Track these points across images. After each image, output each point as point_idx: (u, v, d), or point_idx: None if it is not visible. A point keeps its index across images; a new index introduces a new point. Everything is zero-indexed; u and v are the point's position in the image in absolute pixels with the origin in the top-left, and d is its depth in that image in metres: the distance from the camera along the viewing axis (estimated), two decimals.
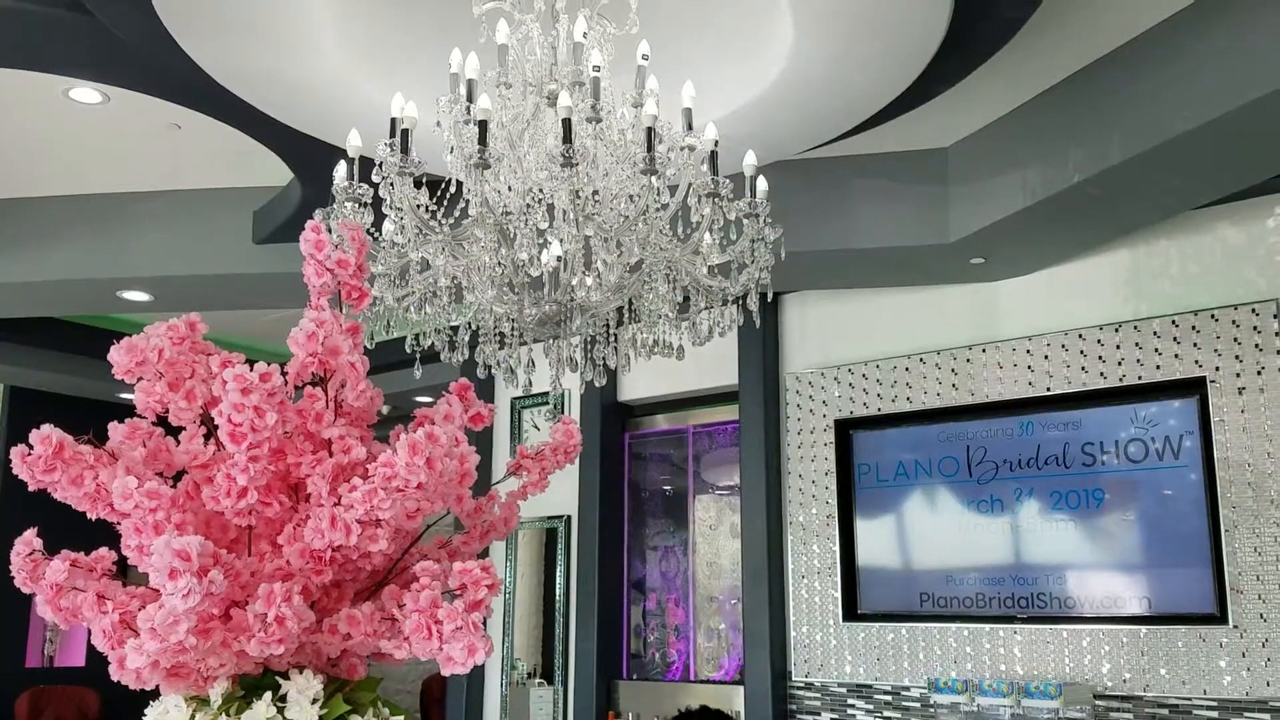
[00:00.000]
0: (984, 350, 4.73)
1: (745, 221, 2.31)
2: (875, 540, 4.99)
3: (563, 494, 6.00)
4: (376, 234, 2.29)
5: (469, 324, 2.48)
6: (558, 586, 5.94)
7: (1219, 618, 3.97)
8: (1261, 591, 3.89)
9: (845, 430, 5.14)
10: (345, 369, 1.59)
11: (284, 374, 1.55)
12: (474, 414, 1.82)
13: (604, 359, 2.66)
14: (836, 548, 5.02)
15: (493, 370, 2.58)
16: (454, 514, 1.82)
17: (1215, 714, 3.97)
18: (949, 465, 4.82)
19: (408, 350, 2.57)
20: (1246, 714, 3.90)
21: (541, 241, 2.16)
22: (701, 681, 5.57)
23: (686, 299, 2.50)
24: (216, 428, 1.50)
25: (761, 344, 5.37)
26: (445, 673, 1.53)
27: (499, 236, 2.15)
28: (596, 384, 2.55)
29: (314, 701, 1.52)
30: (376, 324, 2.45)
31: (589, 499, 5.88)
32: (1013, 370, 4.64)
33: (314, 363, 1.57)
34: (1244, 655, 3.89)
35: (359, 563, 1.60)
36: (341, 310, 1.68)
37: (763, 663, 5.09)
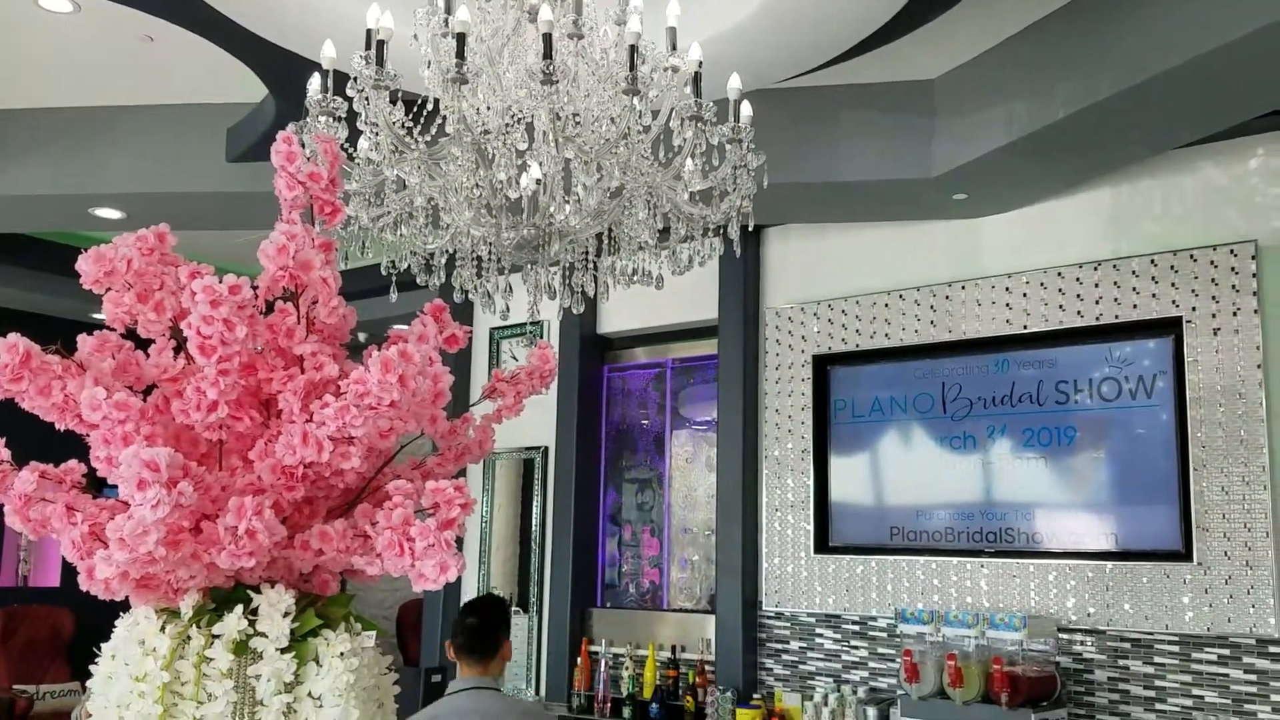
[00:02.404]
0: (963, 287, 4.74)
1: (728, 147, 2.27)
2: (848, 475, 5.04)
3: (540, 425, 6.02)
4: (351, 150, 2.25)
5: (445, 248, 2.44)
6: (534, 517, 5.98)
7: (1184, 555, 4.05)
8: (1226, 530, 3.96)
9: (823, 366, 5.15)
10: (317, 284, 1.56)
11: (254, 288, 1.53)
12: (449, 335, 1.80)
13: (582, 287, 2.64)
14: (810, 482, 5.07)
15: (470, 295, 2.55)
16: (428, 435, 1.81)
17: (1176, 648, 4.06)
18: (924, 402, 4.85)
19: (383, 273, 2.54)
20: (1207, 649, 4.00)
21: (520, 163, 2.12)
22: (674, 610, 5.65)
23: (666, 229, 2.47)
24: (186, 341, 1.49)
25: (742, 278, 5.35)
26: (417, 588, 1.53)
27: (477, 156, 2.10)
28: (575, 311, 2.53)
29: (285, 615, 1.52)
30: (351, 244, 2.42)
31: (566, 430, 5.90)
32: (991, 308, 4.65)
33: (285, 277, 1.54)
34: (1207, 592, 3.98)
35: (331, 480, 1.59)
36: (314, 225, 1.66)
37: (734, 593, 5.17)
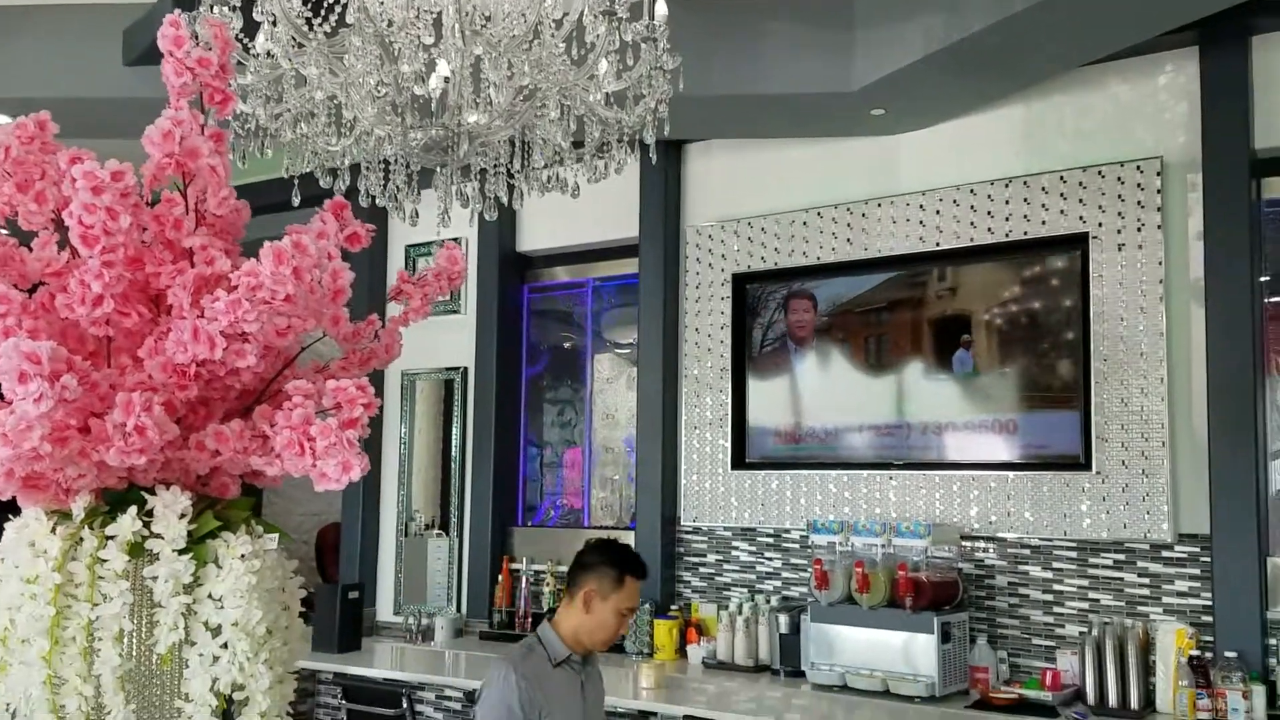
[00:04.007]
0: (880, 205, 4.77)
1: (643, 47, 2.23)
2: (765, 393, 5.10)
3: (460, 346, 5.96)
4: (249, 42, 2.14)
5: (349, 149, 2.36)
6: (454, 438, 5.95)
7: (1083, 464, 4.20)
8: (1124, 439, 4.12)
9: (742, 284, 5.17)
10: (205, 173, 1.50)
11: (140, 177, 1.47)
12: (350, 233, 1.74)
13: (495, 194, 2.58)
14: (728, 400, 5.13)
15: (377, 200, 2.48)
16: (330, 337, 1.77)
17: (1074, 554, 4.24)
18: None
19: (284, 174, 2.45)
20: (1103, 554, 4.18)
21: (427, 59, 2.05)
22: (595, 528, 5.71)
23: (582, 141, 2.43)
24: (69, 233, 1.42)
25: (663, 196, 5.32)
26: (319, 488, 1.50)
27: (381, 51, 2.03)
28: (488, 218, 2.48)
29: (182, 517, 1.49)
30: (250, 143, 2.32)
31: (486, 351, 5.85)
32: (906, 225, 4.70)
33: (171, 165, 1.47)
34: (1104, 499, 4.14)
35: (227, 380, 1.55)
36: (205, 115, 1.58)
37: (653, 509, 5.23)
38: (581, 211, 5.54)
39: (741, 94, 4.26)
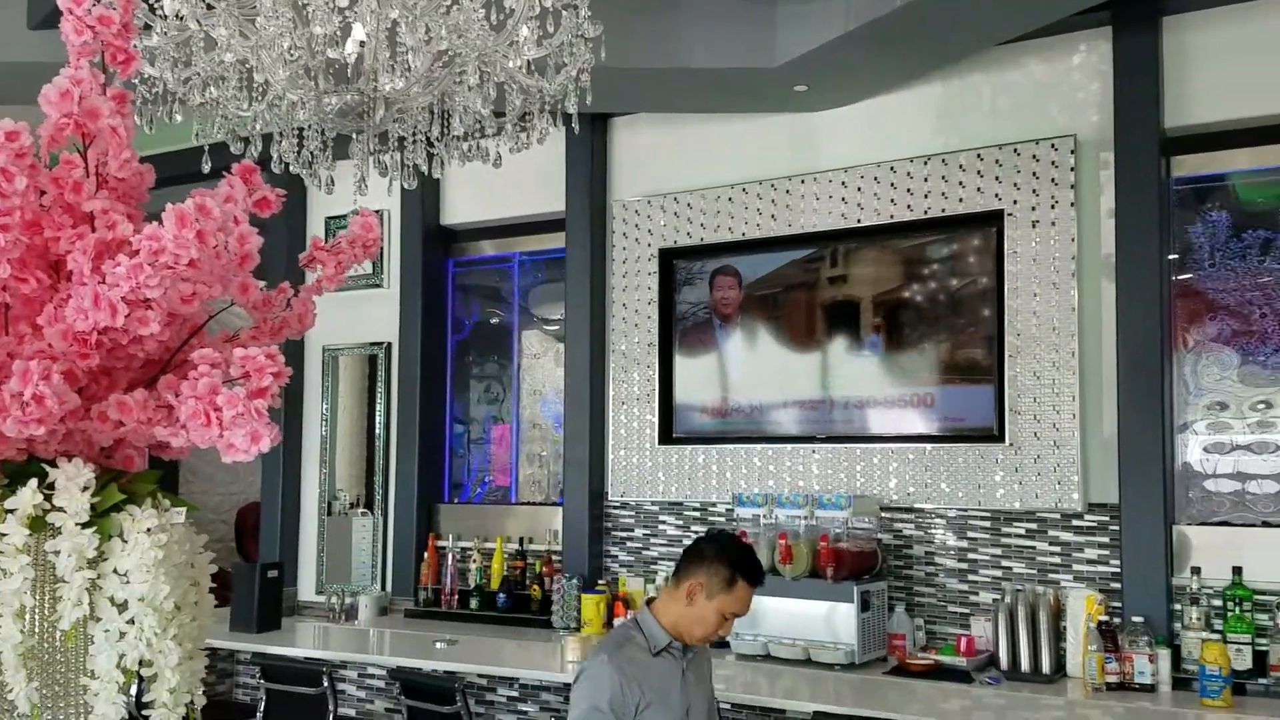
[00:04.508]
0: (802, 181, 4.81)
1: (564, 15, 2.20)
2: (692, 368, 5.12)
3: (384, 321, 5.87)
4: (156, 2, 2.07)
5: (261, 115, 2.30)
6: (378, 415, 5.87)
7: (997, 437, 4.31)
8: (1036, 412, 4.23)
9: (669, 260, 5.18)
10: (106, 134, 1.45)
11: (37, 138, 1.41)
12: (260, 198, 1.70)
13: (414, 163, 2.54)
14: (656, 375, 5.14)
15: (290, 167, 2.42)
16: (239, 305, 1.73)
17: (988, 523, 4.35)
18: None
19: (194, 138, 2.37)
20: (1016, 523, 4.30)
21: (341, 22, 2.00)
22: (523, 504, 5.69)
23: (503, 114, 2.39)
24: None
25: (589, 170, 5.29)
26: (227, 459, 1.47)
27: (293, 13, 1.97)
28: (406, 186, 2.44)
29: (85, 490, 1.44)
30: (157, 108, 2.25)
31: (410, 325, 5.78)
32: (828, 201, 4.75)
33: (69, 125, 1.42)
34: (1017, 470, 4.26)
35: (130, 349, 1.50)
36: (107, 75, 1.53)
37: (581, 484, 5.23)
38: (506, 185, 5.52)
39: (665, 67, 4.26)
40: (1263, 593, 3.74)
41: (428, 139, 2.39)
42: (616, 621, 4.86)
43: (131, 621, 1.45)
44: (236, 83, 2.28)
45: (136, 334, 1.44)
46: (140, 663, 1.46)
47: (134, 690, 1.51)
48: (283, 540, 5.99)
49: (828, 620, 4.18)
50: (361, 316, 5.93)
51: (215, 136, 2.49)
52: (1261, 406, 4.04)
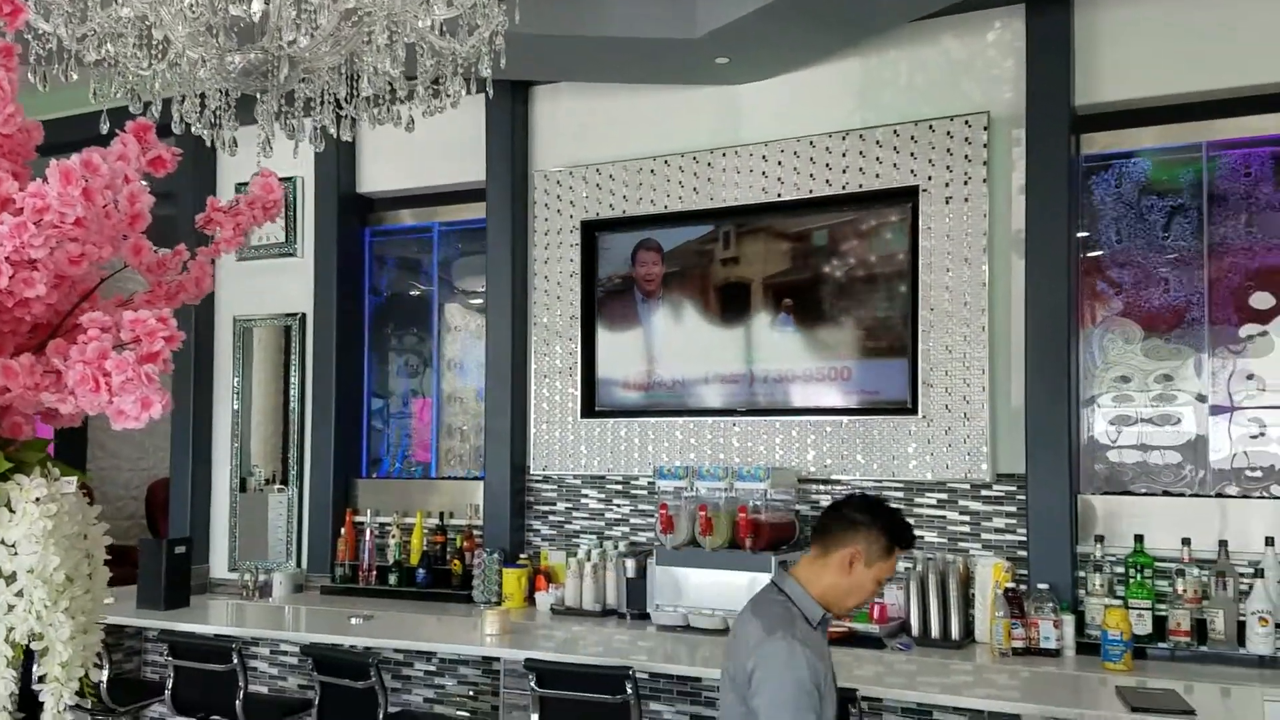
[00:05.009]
0: (724, 155, 4.82)
1: None
2: (614, 342, 5.11)
3: (298, 291, 5.75)
4: None
5: (162, 74, 2.21)
6: (293, 388, 5.75)
7: (911, 409, 4.39)
8: (948, 385, 4.32)
9: (591, 232, 5.15)
10: None
11: None
12: (154, 157, 1.63)
13: (323, 125, 2.47)
14: (578, 348, 5.12)
15: (193, 128, 2.34)
16: (133, 268, 1.66)
17: (901, 494, 4.44)
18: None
19: (91, 98, 2.27)
20: (928, 494, 4.39)
21: None
22: (443, 478, 5.64)
23: (413, 77, 2.33)
24: None
25: (510, 139, 5.23)
26: (117, 426, 1.42)
27: None
28: (314, 148, 2.37)
29: None
30: (52, 65, 2.14)
31: (325, 296, 5.66)
32: (750, 175, 4.77)
33: None
34: (929, 442, 4.35)
35: (16, 312, 1.44)
36: None
37: (503, 458, 5.20)
38: (425, 153, 5.43)
39: (585, 35, 4.22)
40: (1163, 560, 3.88)
41: (336, 101, 2.33)
42: (538, 596, 4.86)
43: (20, 594, 1.40)
44: (135, 40, 2.19)
45: (22, 296, 1.38)
46: (30, 636, 1.42)
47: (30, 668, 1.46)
48: (193, 516, 5.85)
49: (745, 590, 4.20)
50: (275, 287, 5.79)
51: (114, 98, 2.39)
52: (1163, 380, 4.18)
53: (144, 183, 1.49)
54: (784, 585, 2.53)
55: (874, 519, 2.53)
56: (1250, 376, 4.04)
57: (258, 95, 2.28)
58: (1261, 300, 4.03)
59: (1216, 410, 4.09)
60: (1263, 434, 4.01)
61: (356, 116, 2.37)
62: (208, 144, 2.49)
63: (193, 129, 2.33)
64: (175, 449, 5.95)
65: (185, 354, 5.86)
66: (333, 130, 2.43)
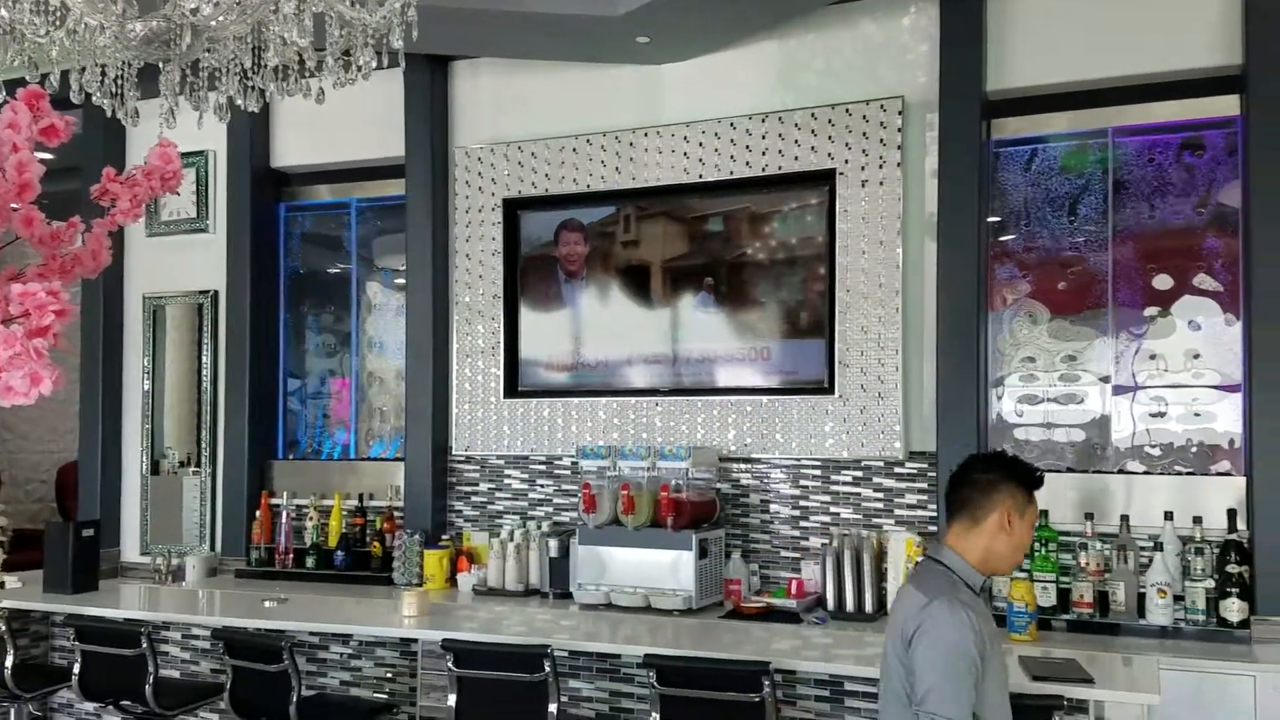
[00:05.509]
0: (646, 135, 4.82)
1: None
2: (537, 321, 5.09)
3: (211, 268, 5.61)
4: None
5: (60, 41, 2.13)
6: (205, 368, 5.62)
7: (828, 388, 4.46)
8: (863, 365, 4.40)
9: (513, 210, 5.12)
10: None
11: None
12: (47, 126, 1.59)
13: (230, 97, 2.41)
14: (500, 327, 5.09)
15: (93, 97, 2.26)
16: (24, 239, 1.61)
17: (819, 471, 4.51)
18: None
19: None
20: (844, 471, 4.47)
21: None
22: (363, 460, 5.57)
23: (322, 48, 2.28)
24: None
25: (429, 114, 5.16)
26: (5, 403, 1.38)
27: None
28: (221, 120, 2.31)
29: None
30: None
31: (238, 273, 5.53)
32: (671, 156, 4.77)
33: None
34: (845, 421, 4.42)
35: None
36: None
37: (424, 439, 5.16)
38: (342, 127, 5.33)
39: (504, 10, 4.17)
40: (1067, 534, 4.01)
41: (243, 71, 2.27)
42: (460, 577, 4.83)
43: None
44: (32, 5, 2.11)
45: None
46: None
47: None
48: (104, 499, 5.69)
49: (667, 568, 4.26)
50: (186, 263, 5.64)
51: (10, 66, 2.30)
52: (1069, 360, 4.31)
53: (46, 155, 1.44)
54: (941, 557, 2.53)
55: (1007, 472, 2.53)
56: (1153, 357, 4.18)
57: (160, 65, 2.21)
58: (1163, 282, 4.18)
59: (1119, 390, 4.23)
60: (1163, 413, 4.17)
61: (264, 88, 2.32)
62: (108, 114, 2.41)
63: (93, 99, 2.25)
64: (84, 431, 5.78)
65: (94, 333, 5.69)
66: (240, 102, 2.37)
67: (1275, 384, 3.76)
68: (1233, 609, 3.64)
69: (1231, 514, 3.77)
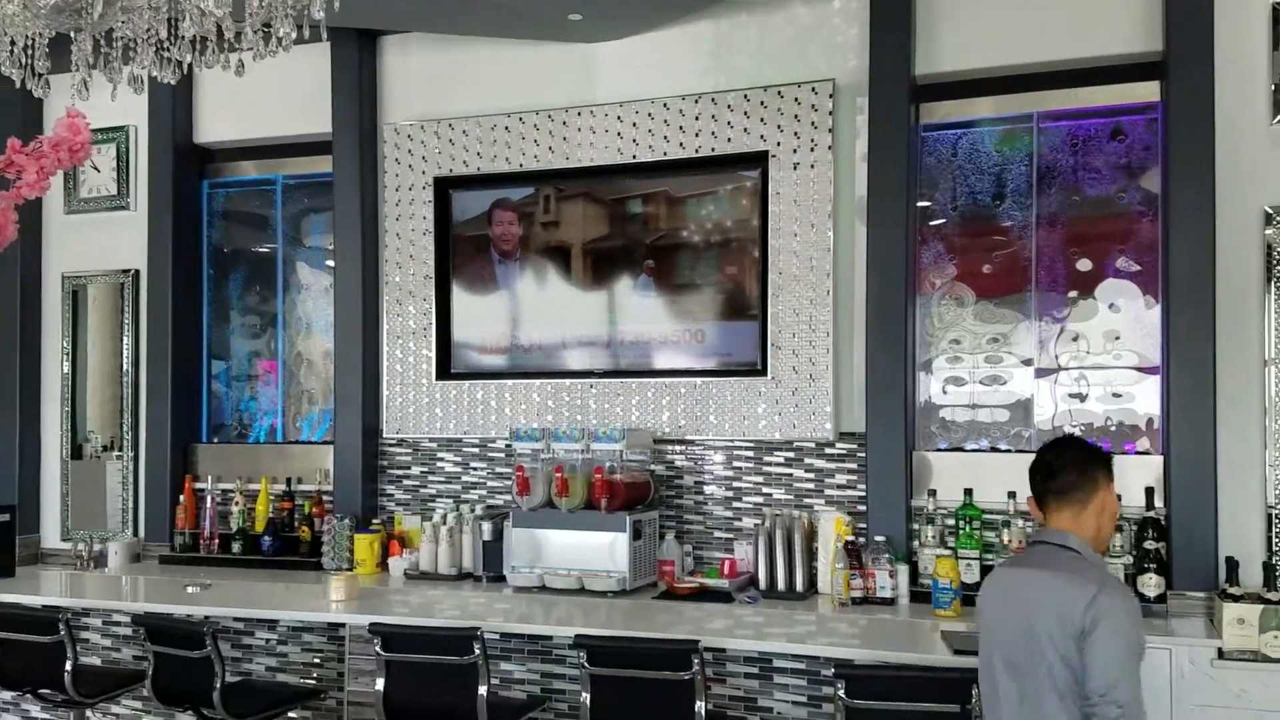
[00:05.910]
0: (579, 114, 4.79)
1: None
2: (470, 302, 5.04)
3: (131, 246, 5.45)
4: None
5: None
6: (126, 349, 5.47)
7: (761, 370, 4.49)
8: (795, 347, 4.43)
9: (445, 189, 5.05)
10: None
11: None
12: None
13: (148, 69, 2.33)
14: (432, 308, 5.03)
15: (1, 68, 2.17)
16: None
17: (752, 453, 4.55)
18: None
19: None
20: (776, 452, 4.51)
21: None
22: (291, 443, 5.48)
23: (241, 19, 2.22)
24: None
25: (358, 89, 5.07)
26: None
27: None
28: (136, 92, 2.23)
29: None
30: None
31: (160, 251, 5.39)
32: (605, 136, 4.75)
33: None
34: (777, 402, 4.46)
35: None
36: None
37: (354, 422, 5.08)
38: (268, 102, 5.21)
39: None
40: (990, 512, 4.10)
41: (159, 43, 2.20)
42: (392, 561, 4.78)
43: None
44: None
45: None
46: None
47: None
48: (21, 484, 5.53)
49: (601, 550, 4.26)
50: (107, 242, 5.48)
51: None
52: (993, 343, 4.39)
53: None
54: (1068, 542, 2.55)
55: (1092, 453, 2.65)
56: (1075, 339, 4.28)
57: (72, 35, 2.13)
58: (1085, 266, 4.27)
59: (1042, 372, 4.32)
60: (1084, 395, 4.27)
61: (181, 60, 2.25)
62: (16, 85, 2.31)
63: (1, 69, 2.16)
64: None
65: (9, 313, 5.51)
66: (156, 74, 2.30)
67: (1192, 365, 3.87)
68: (1150, 584, 3.75)
69: (1149, 492, 3.87)
